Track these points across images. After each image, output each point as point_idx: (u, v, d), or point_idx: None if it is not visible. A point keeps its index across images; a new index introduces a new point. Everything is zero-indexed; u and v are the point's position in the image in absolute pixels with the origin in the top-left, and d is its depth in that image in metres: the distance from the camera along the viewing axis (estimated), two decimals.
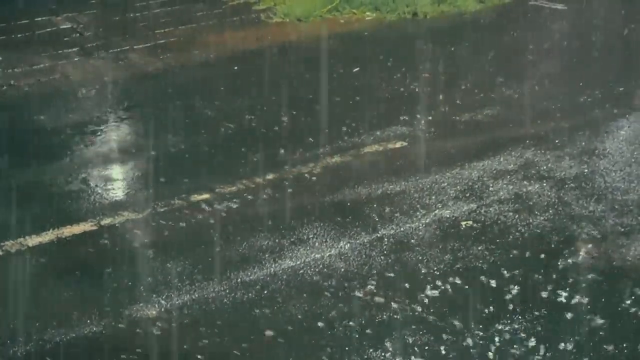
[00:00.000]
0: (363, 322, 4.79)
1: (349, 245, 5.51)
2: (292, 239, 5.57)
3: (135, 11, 10.33)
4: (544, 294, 5.02)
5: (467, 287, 5.09)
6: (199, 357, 4.55)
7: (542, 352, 4.58)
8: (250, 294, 5.01)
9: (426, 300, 4.96)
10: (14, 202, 6.04)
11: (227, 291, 5.04)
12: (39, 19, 9.89)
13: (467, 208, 5.95)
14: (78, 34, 9.57)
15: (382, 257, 5.37)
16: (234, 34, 9.69)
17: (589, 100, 7.84)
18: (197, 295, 5.00)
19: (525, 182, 6.30)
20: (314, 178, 6.40)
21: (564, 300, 4.97)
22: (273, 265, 5.29)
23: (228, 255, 5.39)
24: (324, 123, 7.36)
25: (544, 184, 6.27)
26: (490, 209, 5.94)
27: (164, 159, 6.72)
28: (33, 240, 5.53)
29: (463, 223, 5.76)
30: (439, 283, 5.11)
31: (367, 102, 7.79)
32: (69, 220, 5.75)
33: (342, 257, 5.38)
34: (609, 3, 10.74)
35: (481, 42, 9.46)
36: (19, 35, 9.45)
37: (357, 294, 5.02)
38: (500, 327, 4.75)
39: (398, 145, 6.95)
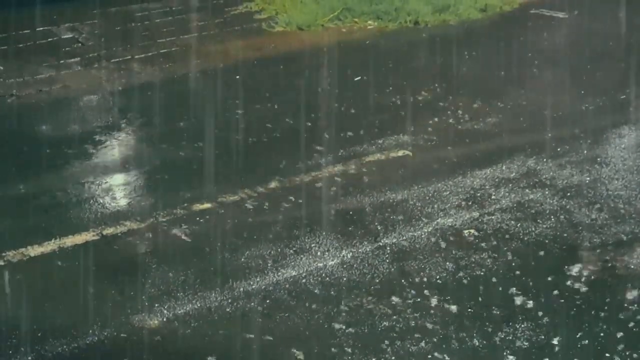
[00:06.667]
0: (366, 331, 4.78)
1: (351, 254, 5.50)
2: (294, 248, 5.56)
3: (137, 21, 10.34)
4: (547, 302, 5.01)
5: (469, 295, 5.08)
6: None
7: (544, 358, 4.59)
8: (252, 304, 5.00)
9: (429, 309, 4.95)
10: (16, 212, 6.04)
11: (230, 300, 5.03)
12: (40, 28, 9.90)
13: (469, 216, 5.94)
14: (79, 44, 9.58)
15: (384, 266, 5.36)
16: (236, 43, 9.69)
17: (590, 108, 7.84)
18: (199, 305, 4.99)
19: (527, 191, 6.29)
20: (316, 187, 6.39)
21: (566, 307, 4.96)
22: (275, 275, 5.28)
23: (230, 265, 5.38)
24: (326, 132, 7.35)
25: (546, 192, 6.26)
26: (493, 217, 5.93)
27: (165, 168, 6.72)
28: (35, 250, 5.52)
29: (465, 231, 5.75)
30: (441, 292, 5.11)
31: (370, 111, 7.79)
32: (70, 230, 5.75)
33: (345, 266, 5.37)
34: (610, 11, 10.74)
35: (482, 50, 9.46)
36: (20, 45, 9.46)
37: (360, 303, 5.01)
38: (503, 336, 4.73)
39: (400, 153, 6.95)
